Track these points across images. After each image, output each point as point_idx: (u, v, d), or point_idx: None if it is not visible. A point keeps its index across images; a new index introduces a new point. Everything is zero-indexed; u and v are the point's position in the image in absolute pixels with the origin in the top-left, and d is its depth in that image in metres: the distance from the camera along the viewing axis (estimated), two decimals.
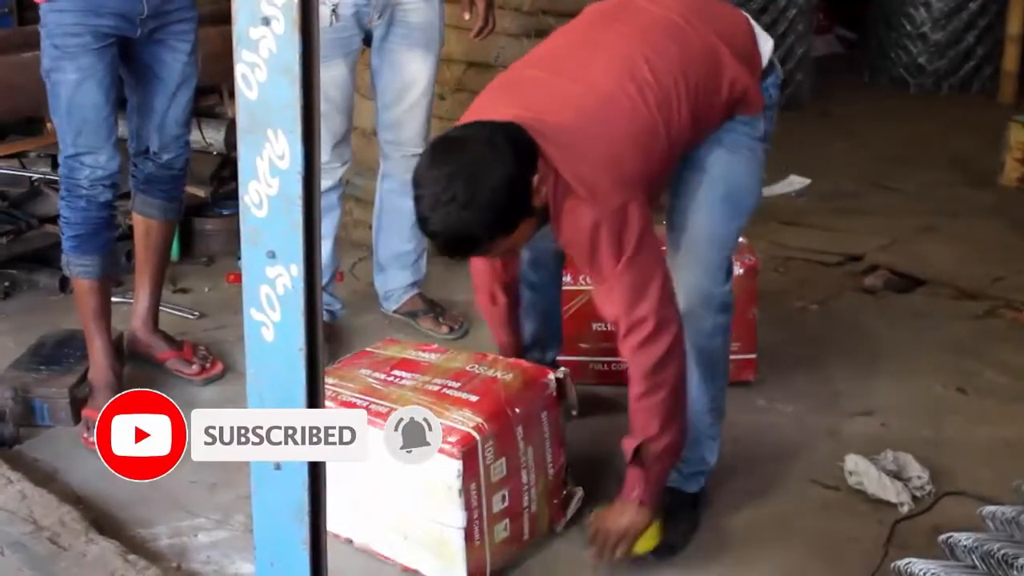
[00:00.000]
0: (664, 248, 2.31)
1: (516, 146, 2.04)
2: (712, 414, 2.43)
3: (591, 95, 2.14)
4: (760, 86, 2.31)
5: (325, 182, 3.08)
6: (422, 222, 2.08)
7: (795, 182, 4.92)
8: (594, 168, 2.08)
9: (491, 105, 2.20)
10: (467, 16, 3.21)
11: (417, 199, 2.07)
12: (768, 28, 6.11)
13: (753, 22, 2.39)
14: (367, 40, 3.13)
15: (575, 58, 2.23)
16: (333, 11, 2.94)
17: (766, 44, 2.37)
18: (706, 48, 2.23)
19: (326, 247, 3.16)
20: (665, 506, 2.37)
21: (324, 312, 3.17)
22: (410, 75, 3.14)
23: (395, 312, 3.43)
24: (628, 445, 2.22)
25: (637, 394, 2.19)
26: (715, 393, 2.42)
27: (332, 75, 2.98)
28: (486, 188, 2.00)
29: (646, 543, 2.27)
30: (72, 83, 2.65)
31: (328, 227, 3.13)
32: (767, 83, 2.34)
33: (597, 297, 2.20)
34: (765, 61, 2.34)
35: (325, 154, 3.01)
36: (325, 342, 2.98)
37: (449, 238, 2.06)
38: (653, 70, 2.15)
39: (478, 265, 2.57)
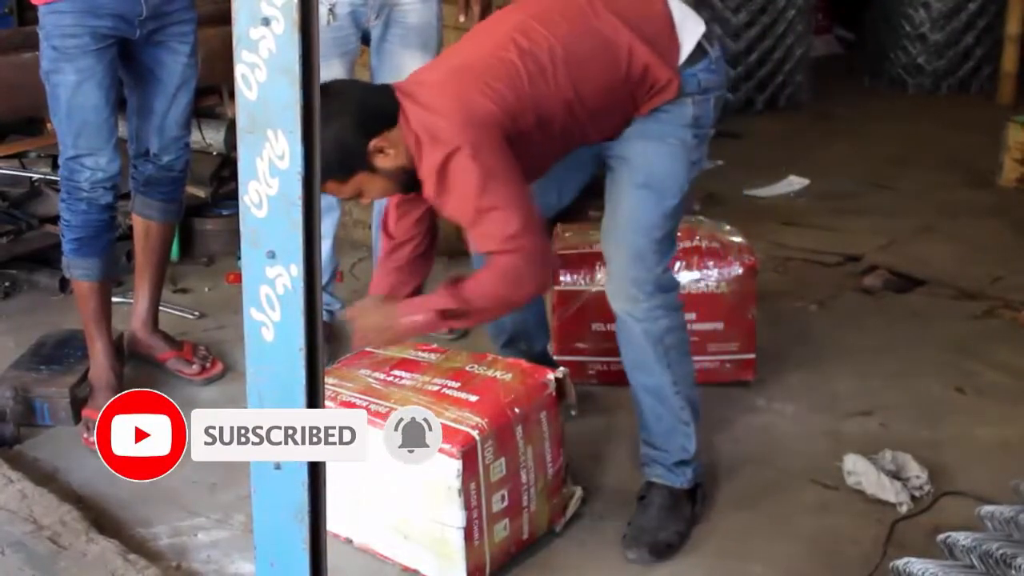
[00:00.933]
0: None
1: (362, 107, 2.21)
2: (679, 398, 2.46)
3: (462, 55, 2.33)
4: (684, 72, 2.34)
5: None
6: None
7: (794, 182, 4.93)
8: (437, 113, 2.20)
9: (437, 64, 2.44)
10: (463, 18, 3.22)
11: None
12: (767, 28, 6.14)
13: (681, 9, 2.41)
14: (366, 40, 3.13)
15: (479, 31, 2.43)
16: (330, 11, 2.94)
17: (695, 28, 2.39)
18: (602, 27, 2.31)
19: (325, 247, 3.16)
20: (662, 504, 2.42)
21: (324, 312, 3.18)
22: (408, 75, 3.14)
23: None
24: (447, 294, 2.30)
25: (488, 276, 2.27)
26: (677, 378, 2.44)
27: (330, 75, 2.97)
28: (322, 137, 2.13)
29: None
30: (71, 85, 2.65)
31: (327, 227, 3.13)
32: (696, 68, 2.36)
33: (468, 234, 2.33)
34: (691, 46, 2.37)
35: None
36: (325, 342, 2.98)
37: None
38: (531, 37, 2.27)
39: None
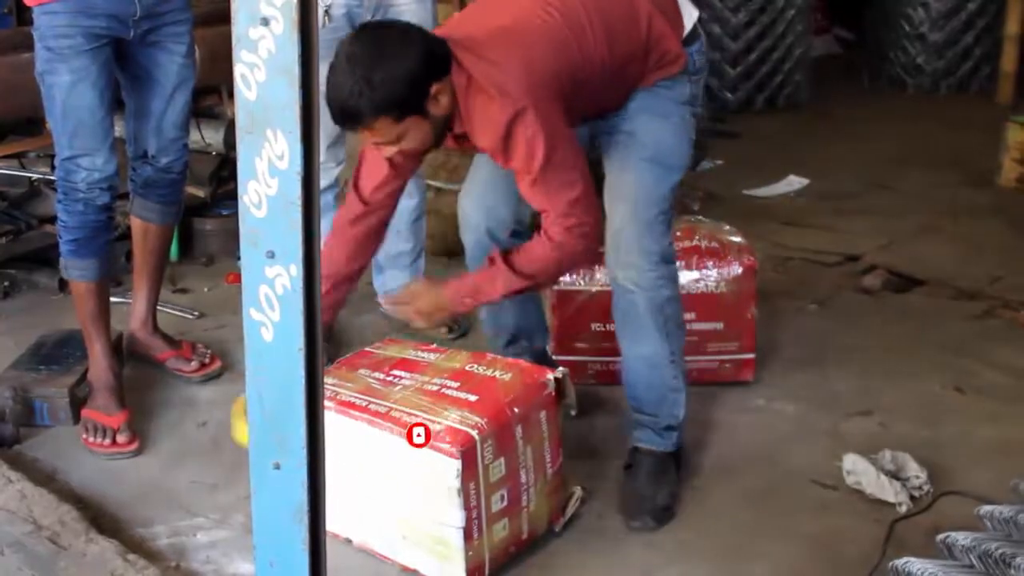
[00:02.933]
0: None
1: (428, 49, 2.21)
2: (673, 367, 2.54)
3: (507, 15, 2.35)
4: (685, 50, 2.45)
5: (320, 182, 3.08)
6: (326, 85, 2.19)
7: (794, 182, 4.93)
8: (504, 70, 2.24)
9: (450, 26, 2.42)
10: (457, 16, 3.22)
11: (331, 66, 2.19)
12: (767, 28, 6.16)
13: None
14: None
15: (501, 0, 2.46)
16: (326, 12, 2.94)
17: (691, 9, 2.51)
18: None
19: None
20: (651, 468, 2.53)
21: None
22: None
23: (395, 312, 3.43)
24: (504, 278, 2.37)
25: (549, 249, 2.34)
26: (674, 347, 2.53)
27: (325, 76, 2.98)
28: (385, 71, 2.16)
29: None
30: (66, 85, 2.64)
31: (325, 227, 3.13)
32: (691, 49, 2.47)
33: (523, 188, 2.33)
34: (690, 25, 2.49)
35: (320, 154, 3.01)
36: (324, 342, 2.97)
37: (338, 103, 2.18)
38: (565, 3, 2.34)
39: (349, 197, 2.54)
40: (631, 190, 2.45)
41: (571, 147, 2.30)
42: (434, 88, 2.20)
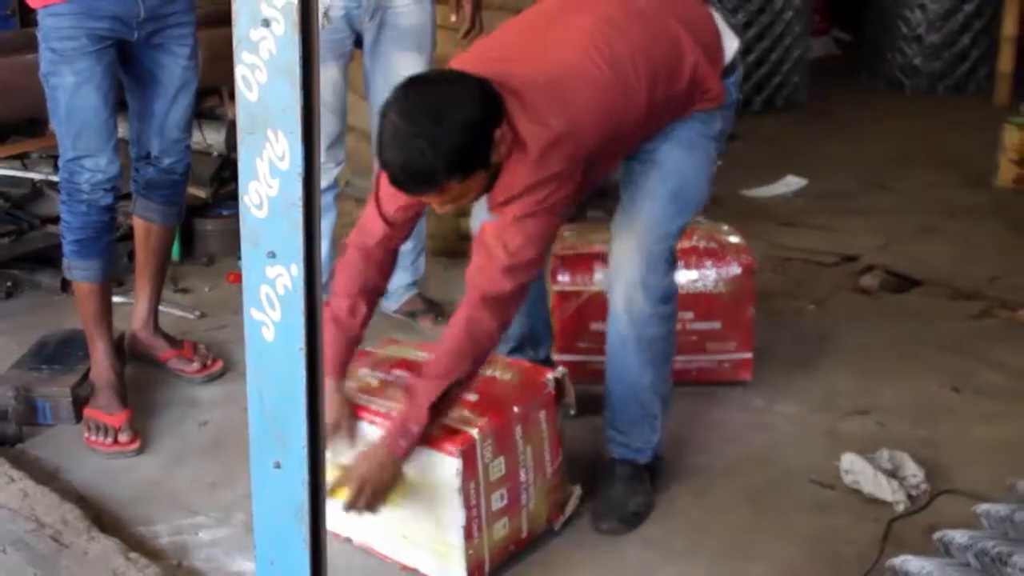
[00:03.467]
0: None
1: (484, 94, 2.10)
2: (654, 395, 2.51)
3: (559, 63, 2.22)
4: (723, 81, 2.37)
5: (320, 183, 3.09)
6: (380, 149, 2.10)
7: (792, 183, 4.94)
8: (545, 135, 2.13)
9: (462, 67, 2.23)
10: (454, 18, 3.23)
11: (381, 129, 2.10)
12: (765, 29, 6.16)
13: (720, 20, 2.44)
14: (358, 43, 3.14)
15: (543, 34, 2.31)
16: (325, 14, 2.95)
17: (732, 43, 2.42)
18: (667, 32, 2.30)
19: (324, 246, 3.17)
20: (625, 476, 2.50)
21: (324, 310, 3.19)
22: (403, 77, 3.14)
23: (394, 312, 3.44)
24: (424, 388, 2.18)
25: (470, 326, 2.19)
26: (655, 378, 2.48)
27: (325, 77, 2.99)
28: (451, 126, 2.05)
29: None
30: (70, 87, 2.65)
31: (325, 227, 3.14)
32: (729, 81, 2.40)
33: (487, 224, 2.22)
34: (729, 58, 2.40)
35: (320, 155, 3.02)
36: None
37: (406, 169, 2.08)
38: (611, 45, 2.23)
39: (370, 219, 2.38)
40: (643, 221, 2.38)
41: (555, 219, 2.21)
42: (497, 135, 2.10)
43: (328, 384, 2.21)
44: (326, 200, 3.16)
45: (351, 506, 2.18)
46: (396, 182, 2.13)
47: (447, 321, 3.33)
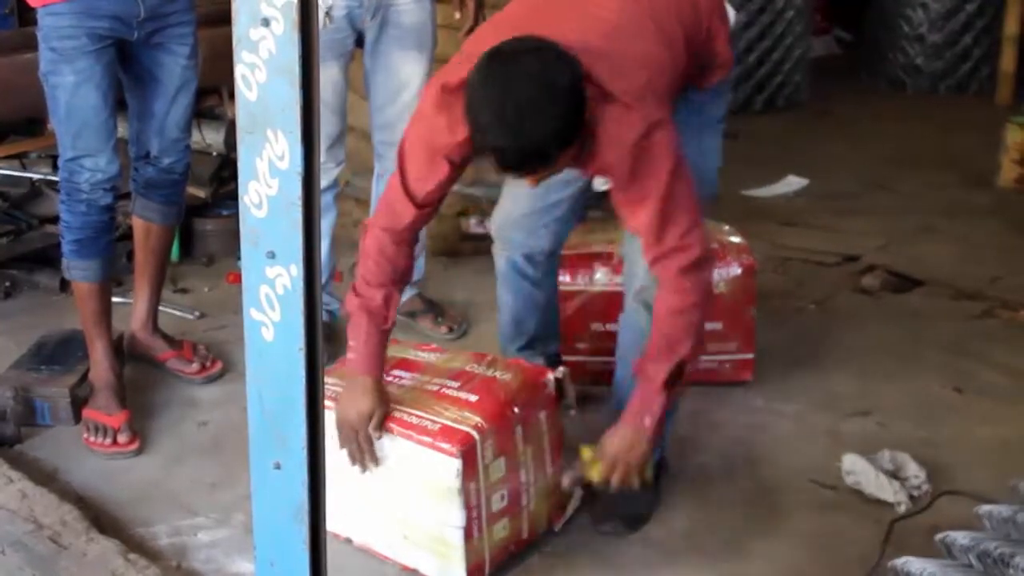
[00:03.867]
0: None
1: (568, 62, 2.02)
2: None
3: (604, 21, 2.16)
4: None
5: (320, 182, 3.08)
6: (484, 134, 2.02)
7: (793, 182, 4.93)
8: (633, 81, 2.09)
9: (508, 33, 2.12)
10: (457, 15, 3.23)
11: (478, 113, 2.01)
12: (766, 29, 6.16)
13: None
14: (360, 41, 3.13)
15: (569, 1, 2.26)
16: (327, 13, 2.95)
17: (731, 11, 2.43)
18: None
19: (324, 246, 3.17)
20: None
21: (323, 312, 3.19)
22: (404, 76, 3.14)
23: None
24: (653, 369, 2.21)
25: (672, 309, 2.19)
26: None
27: (326, 77, 2.98)
28: (556, 96, 1.98)
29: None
30: (70, 86, 2.65)
31: (325, 227, 3.14)
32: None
33: (639, 215, 2.15)
34: (729, 30, 2.41)
35: (320, 155, 3.02)
36: (324, 342, 2.97)
37: (522, 151, 2.00)
38: (651, 5, 2.22)
39: (398, 201, 2.29)
40: None
41: (689, 176, 2.15)
42: (588, 95, 2.04)
43: (368, 383, 2.26)
44: (326, 200, 3.16)
45: (606, 482, 2.25)
46: (508, 165, 2.06)
47: (447, 322, 3.36)
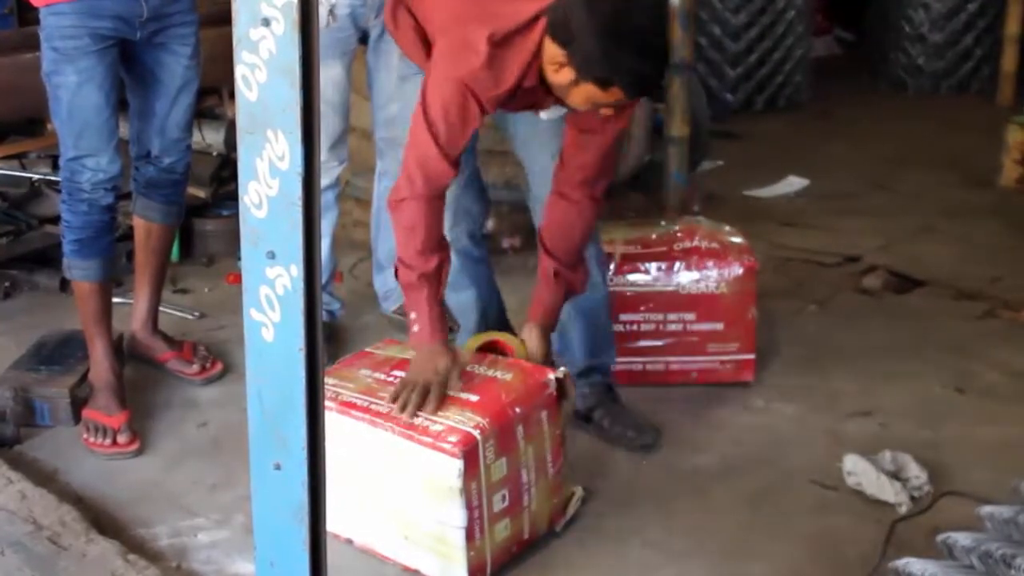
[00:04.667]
0: None
1: None
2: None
3: None
4: None
5: (322, 181, 3.08)
6: (612, 63, 2.12)
7: (794, 183, 4.93)
8: None
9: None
10: None
11: (615, 43, 2.11)
12: (767, 29, 6.17)
13: None
14: (364, 39, 3.13)
15: None
16: (330, 12, 2.94)
17: None
18: None
19: (324, 246, 3.18)
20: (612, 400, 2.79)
21: (323, 312, 3.19)
22: (405, 73, 3.13)
23: (394, 312, 3.42)
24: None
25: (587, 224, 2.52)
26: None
27: (329, 75, 2.98)
28: (661, 14, 2.22)
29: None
30: (72, 86, 2.65)
31: (326, 227, 3.14)
32: None
33: (584, 147, 2.42)
34: None
35: (322, 153, 3.02)
36: (325, 342, 3.00)
37: (652, 77, 2.20)
38: None
39: (433, 161, 2.31)
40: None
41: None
42: None
43: (439, 347, 2.35)
44: (327, 199, 3.15)
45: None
46: (636, 88, 2.19)
47: (447, 322, 3.35)
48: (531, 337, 2.54)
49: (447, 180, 2.35)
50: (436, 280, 2.37)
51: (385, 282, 3.43)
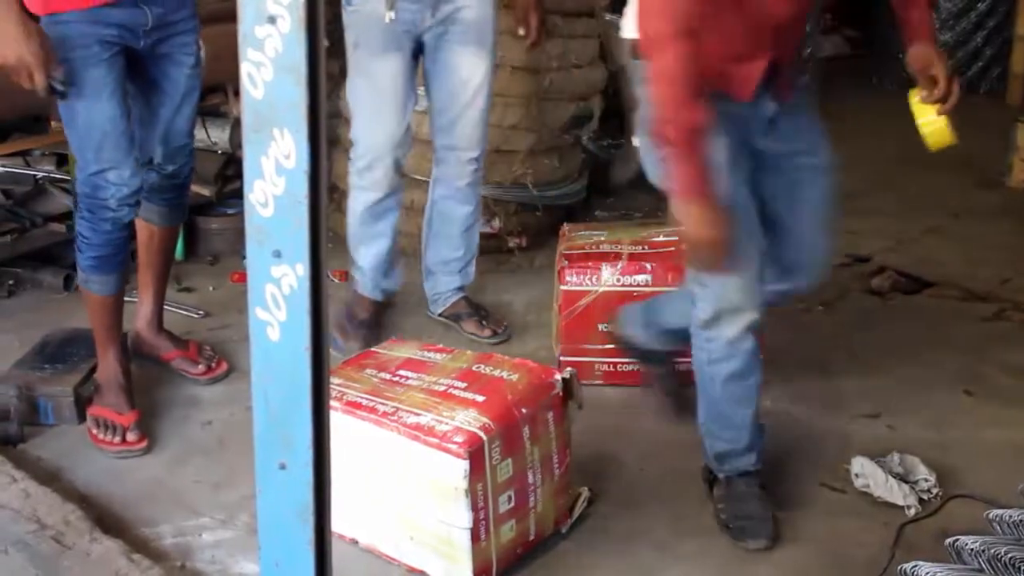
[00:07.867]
0: None
1: None
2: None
3: None
4: None
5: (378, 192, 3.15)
6: None
7: None
8: None
9: None
10: (521, 31, 3.28)
11: None
12: None
13: None
14: (419, 49, 3.10)
15: None
16: (391, 7, 2.93)
17: None
18: None
19: (384, 245, 3.24)
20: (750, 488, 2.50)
21: (378, 292, 3.27)
22: (465, 73, 3.09)
23: (440, 315, 3.41)
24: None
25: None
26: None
27: (389, 69, 2.99)
28: None
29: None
30: (87, 97, 2.56)
31: (386, 227, 3.21)
32: None
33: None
34: None
35: (386, 157, 3.10)
36: (371, 329, 3.04)
37: None
38: None
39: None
40: (817, 215, 2.65)
41: None
42: None
43: (707, 202, 2.20)
44: (388, 203, 3.18)
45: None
46: None
47: (491, 325, 3.34)
48: (927, 54, 2.59)
49: (693, 7, 2.17)
50: (704, 132, 2.21)
51: (434, 286, 3.41)
